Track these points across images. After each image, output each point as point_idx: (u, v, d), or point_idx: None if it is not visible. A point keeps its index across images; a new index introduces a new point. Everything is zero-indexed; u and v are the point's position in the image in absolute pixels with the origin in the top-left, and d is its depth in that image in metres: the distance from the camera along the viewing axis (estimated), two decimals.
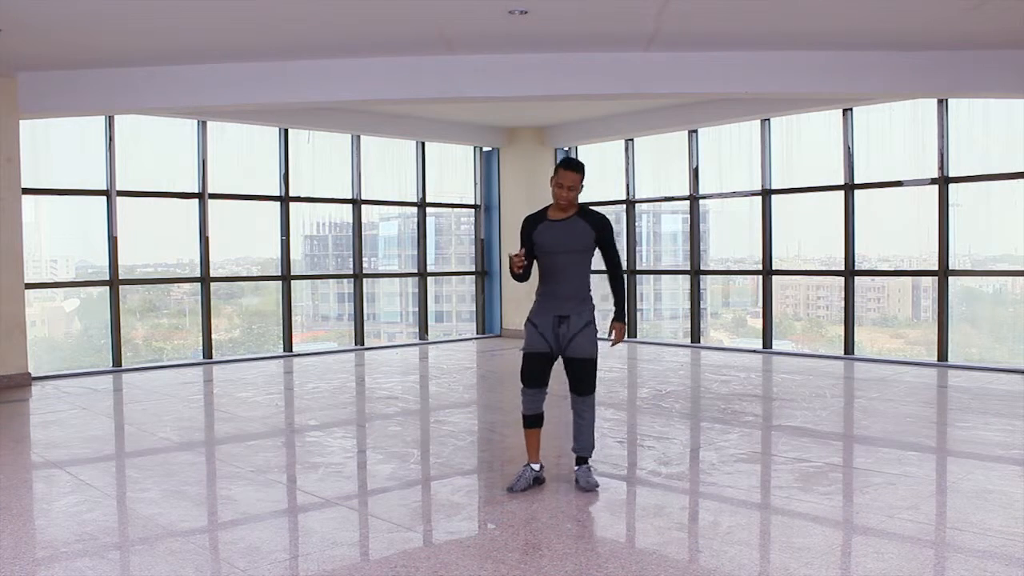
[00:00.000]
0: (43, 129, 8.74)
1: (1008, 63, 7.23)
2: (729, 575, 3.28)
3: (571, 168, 4.33)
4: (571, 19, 6.56)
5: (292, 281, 10.53)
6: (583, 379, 4.34)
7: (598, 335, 4.39)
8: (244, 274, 10.73)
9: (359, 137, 10.97)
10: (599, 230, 4.32)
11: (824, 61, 7.49)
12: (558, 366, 4.43)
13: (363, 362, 9.83)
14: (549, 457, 5.04)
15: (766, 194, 10.12)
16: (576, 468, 4.49)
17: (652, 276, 11.81)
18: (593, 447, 4.52)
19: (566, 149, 12.23)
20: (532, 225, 4.38)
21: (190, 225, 9.68)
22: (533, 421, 4.43)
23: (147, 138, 9.52)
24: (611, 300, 4.53)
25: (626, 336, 4.48)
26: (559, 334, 4.30)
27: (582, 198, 4.47)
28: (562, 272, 4.31)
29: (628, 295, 11.51)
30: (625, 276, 4.54)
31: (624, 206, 11.60)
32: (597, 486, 4.42)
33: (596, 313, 4.40)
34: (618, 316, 4.45)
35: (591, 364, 4.34)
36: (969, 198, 8.85)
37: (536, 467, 4.46)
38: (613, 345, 4.51)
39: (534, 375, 4.35)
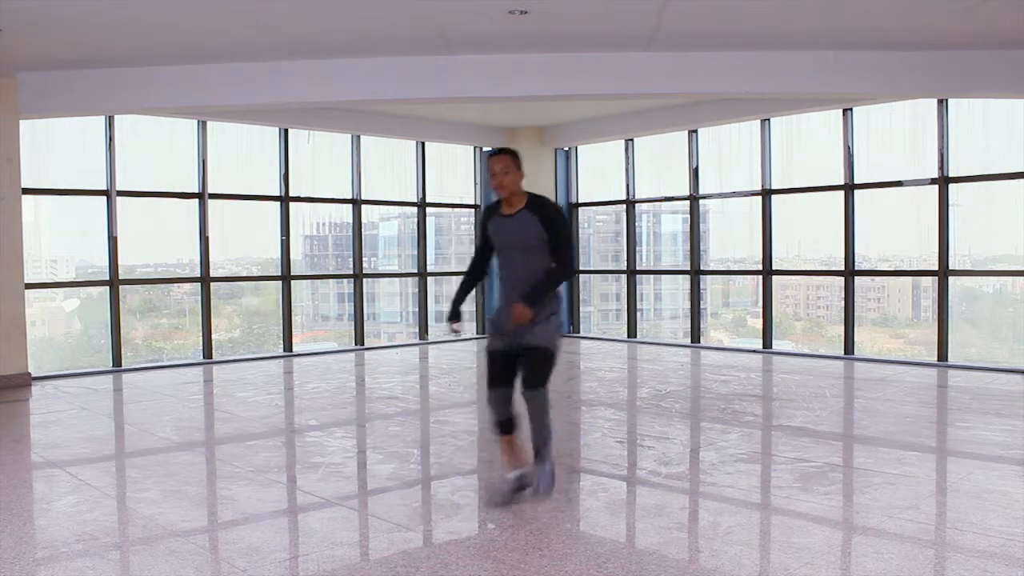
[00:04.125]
0: (43, 129, 8.73)
1: (1008, 63, 7.22)
2: (729, 575, 3.28)
3: (497, 153, 4.23)
4: (571, 19, 6.56)
5: (292, 281, 10.52)
6: (533, 368, 4.02)
7: (561, 330, 4.18)
8: (244, 274, 10.73)
9: (359, 137, 10.97)
10: (543, 220, 4.08)
11: (824, 61, 7.48)
12: None
13: (363, 362, 9.83)
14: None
15: (766, 194, 10.12)
16: (535, 465, 4.15)
17: (652, 276, 11.80)
18: (548, 436, 4.10)
19: (566, 149, 12.22)
20: (487, 216, 4.29)
21: (190, 225, 9.68)
22: (504, 427, 4.16)
23: (147, 138, 9.52)
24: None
25: (524, 320, 3.98)
26: (517, 329, 4.04)
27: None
28: (518, 267, 4.11)
29: (630, 294, 11.51)
30: (568, 272, 4.12)
31: (624, 206, 11.60)
32: (548, 493, 4.13)
33: (562, 306, 4.22)
34: (524, 296, 4.02)
35: (543, 353, 4.03)
36: (969, 198, 8.85)
37: (511, 476, 4.15)
38: (512, 323, 4.03)
39: (494, 374, 4.13)
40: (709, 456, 5.17)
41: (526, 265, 4.11)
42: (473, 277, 4.43)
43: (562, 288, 4.25)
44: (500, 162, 4.15)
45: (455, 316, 4.35)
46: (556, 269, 4.09)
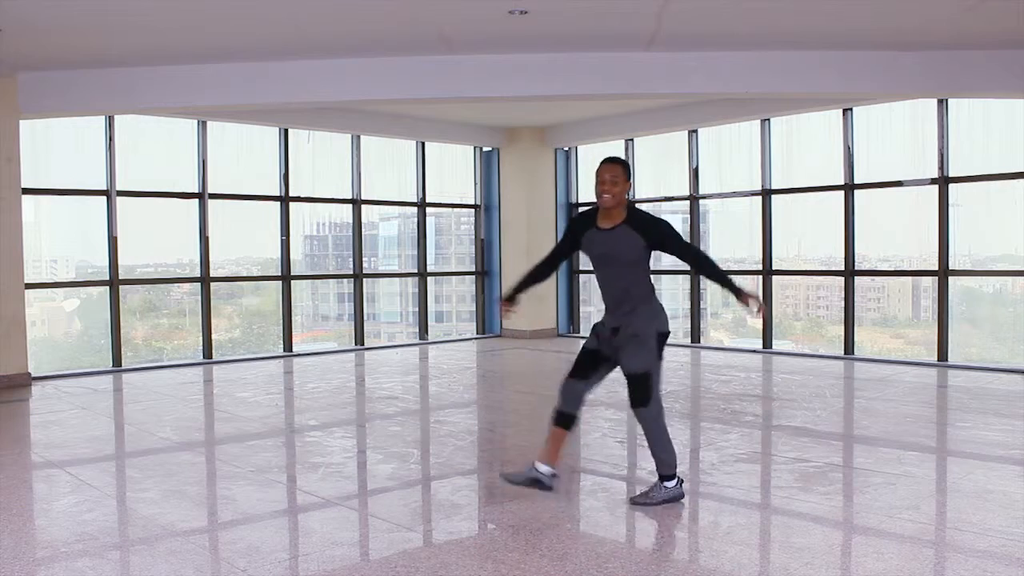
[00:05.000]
0: (43, 129, 8.73)
1: (1008, 63, 7.22)
2: (729, 575, 3.28)
3: (611, 160, 4.06)
4: (571, 19, 6.56)
5: (292, 281, 10.52)
6: (634, 389, 4.03)
7: (650, 346, 4.04)
8: (244, 274, 10.73)
9: (359, 137, 10.97)
10: (650, 237, 4.00)
11: (824, 61, 7.48)
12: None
13: (363, 362, 9.83)
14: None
15: (766, 194, 10.12)
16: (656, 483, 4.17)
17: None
18: (668, 463, 4.10)
19: (566, 149, 12.22)
20: (581, 228, 4.15)
21: (190, 225, 9.68)
22: (562, 419, 4.09)
23: (147, 138, 9.52)
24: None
25: (753, 305, 4.01)
26: (612, 343, 4.07)
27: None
28: (615, 282, 4.08)
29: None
30: (708, 255, 4.22)
31: None
32: (658, 501, 4.09)
33: (654, 323, 4.06)
34: (735, 293, 4.05)
35: (642, 377, 4.01)
36: (969, 198, 8.85)
37: (543, 469, 4.10)
38: (758, 313, 4.07)
39: (577, 366, 4.12)
40: (709, 456, 5.17)
41: (622, 280, 4.06)
42: (540, 273, 4.34)
43: (653, 303, 4.14)
44: (610, 171, 4.00)
45: (511, 299, 4.29)
46: (705, 265, 4.13)
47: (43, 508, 4.29)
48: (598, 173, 4.05)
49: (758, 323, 10.33)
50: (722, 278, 4.13)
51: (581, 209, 4.29)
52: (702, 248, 4.32)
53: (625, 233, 4.02)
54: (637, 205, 4.23)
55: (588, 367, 4.12)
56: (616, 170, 4.01)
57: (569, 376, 4.13)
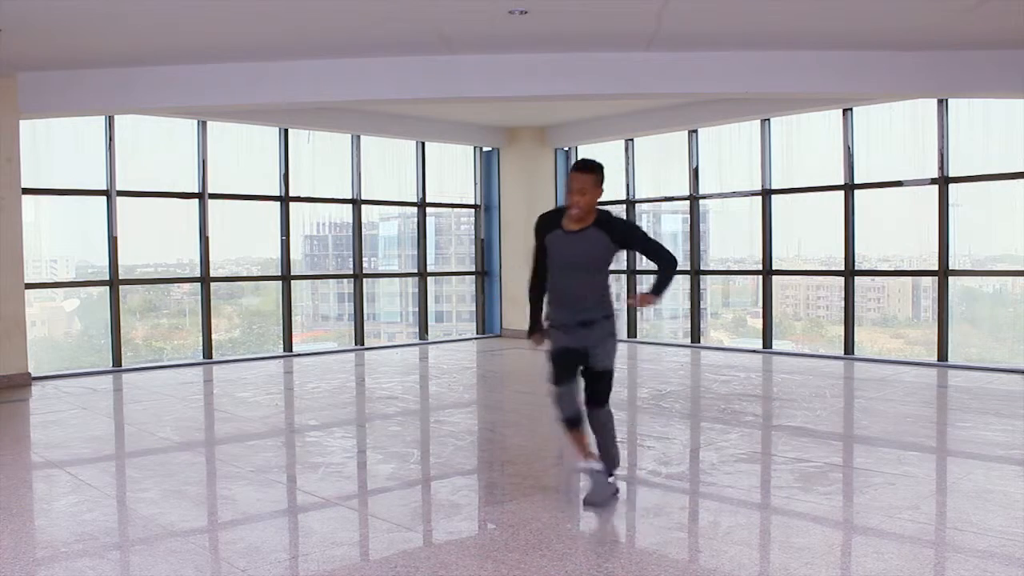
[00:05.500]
0: (43, 129, 8.74)
1: (1008, 63, 7.22)
2: (729, 575, 3.28)
3: (581, 169, 3.93)
4: (571, 19, 6.56)
5: (292, 281, 10.53)
6: (603, 388, 4.10)
7: (618, 346, 4.18)
8: (244, 274, 10.73)
9: (359, 137, 10.97)
10: (620, 239, 3.98)
11: (824, 61, 7.48)
12: None
13: (363, 362, 9.83)
14: (549, 458, 5.04)
15: (766, 194, 10.12)
16: (598, 467, 4.13)
17: (652, 276, 11.79)
18: (617, 458, 4.23)
19: (566, 149, 12.22)
20: (546, 228, 4.06)
21: (190, 225, 9.68)
22: (573, 422, 4.09)
23: (147, 138, 9.52)
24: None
25: (652, 305, 4.12)
26: (582, 335, 4.02)
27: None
28: (580, 285, 4.02)
29: (630, 294, 11.53)
30: (675, 264, 4.14)
31: (624, 206, 11.60)
32: (607, 502, 4.12)
33: (617, 324, 4.16)
34: (654, 290, 4.11)
35: (610, 375, 4.11)
36: (969, 198, 8.85)
37: (592, 464, 4.09)
38: (635, 303, 4.14)
39: (565, 371, 4.07)
40: (709, 456, 5.16)
41: (589, 283, 4.02)
42: (541, 294, 4.23)
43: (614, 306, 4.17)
44: (580, 181, 3.89)
45: (538, 331, 4.23)
46: (667, 266, 4.06)
47: (43, 508, 4.29)
48: (568, 180, 3.97)
49: (757, 323, 10.33)
50: (666, 281, 4.10)
51: (541, 212, 4.23)
52: (668, 249, 4.26)
53: (594, 235, 3.97)
54: (605, 207, 4.14)
55: (569, 369, 4.10)
56: (586, 180, 3.90)
57: (556, 385, 4.11)
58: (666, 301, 11.85)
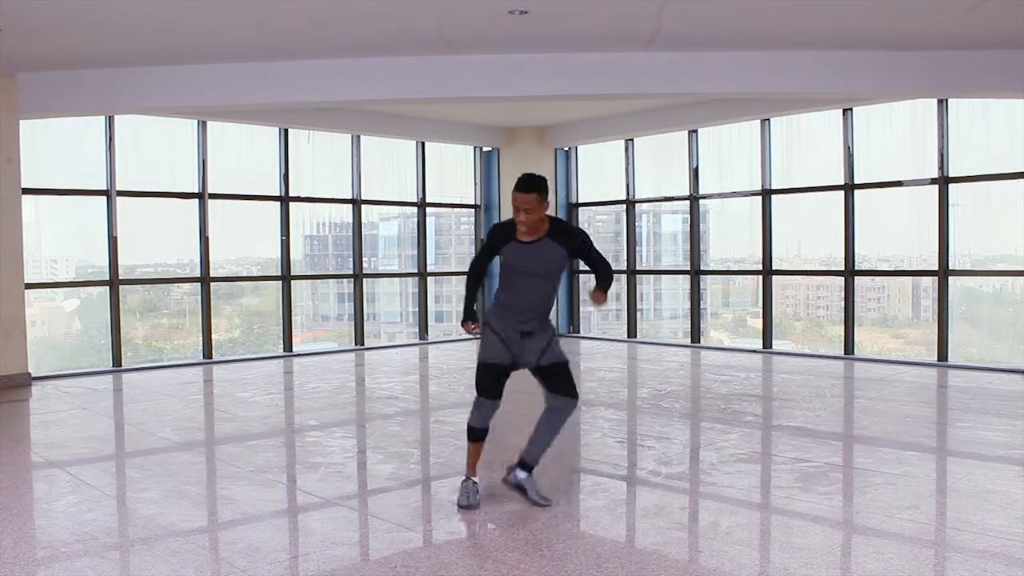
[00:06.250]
0: (43, 129, 8.74)
1: (1008, 63, 7.22)
2: (729, 575, 3.28)
3: (522, 189, 3.93)
4: (571, 19, 6.56)
5: (292, 281, 10.53)
6: (568, 381, 4.14)
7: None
8: (244, 274, 10.73)
9: (359, 137, 10.97)
10: (572, 249, 4.07)
11: (824, 61, 7.49)
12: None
13: (363, 362, 9.83)
14: (550, 457, 5.02)
15: (766, 194, 10.12)
16: (525, 476, 4.18)
17: (652, 276, 11.81)
18: (537, 461, 4.23)
19: (566, 149, 12.22)
20: (501, 238, 4.11)
21: (190, 225, 9.68)
22: (480, 435, 4.20)
23: (147, 138, 9.52)
24: (610, 299, 4.41)
25: (604, 303, 4.22)
26: (525, 348, 4.08)
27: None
28: (533, 292, 4.09)
29: (630, 294, 11.55)
30: (612, 271, 4.28)
31: (624, 206, 11.60)
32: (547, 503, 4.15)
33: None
34: (602, 288, 4.19)
35: (566, 366, 4.16)
36: (969, 198, 8.85)
37: (476, 479, 4.24)
38: (592, 300, 4.19)
39: (490, 385, 4.11)
40: (709, 456, 5.16)
41: (541, 290, 4.11)
42: (479, 280, 4.33)
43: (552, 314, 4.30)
44: (523, 201, 3.93)
45: (473, 318, 4.29)
46: (607, 275, 4.19)
47: (43, 508, 4.28)
48: (512, 198, 3.99)
49: (757, 323, 10.33)
50: (609, 286, 4.21)
51: (497, 221, 4.27)
52: (607, 260, 4.34)
53: (548, 246, 4.04)
54: (555, 216, 4.22)
55: (497, 384, 4.13)
56: (529, 200, 3.92)
57: (484, 397, 4.12)
58: (667, 301, 11.93)
